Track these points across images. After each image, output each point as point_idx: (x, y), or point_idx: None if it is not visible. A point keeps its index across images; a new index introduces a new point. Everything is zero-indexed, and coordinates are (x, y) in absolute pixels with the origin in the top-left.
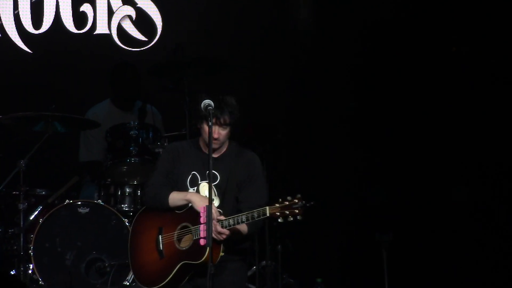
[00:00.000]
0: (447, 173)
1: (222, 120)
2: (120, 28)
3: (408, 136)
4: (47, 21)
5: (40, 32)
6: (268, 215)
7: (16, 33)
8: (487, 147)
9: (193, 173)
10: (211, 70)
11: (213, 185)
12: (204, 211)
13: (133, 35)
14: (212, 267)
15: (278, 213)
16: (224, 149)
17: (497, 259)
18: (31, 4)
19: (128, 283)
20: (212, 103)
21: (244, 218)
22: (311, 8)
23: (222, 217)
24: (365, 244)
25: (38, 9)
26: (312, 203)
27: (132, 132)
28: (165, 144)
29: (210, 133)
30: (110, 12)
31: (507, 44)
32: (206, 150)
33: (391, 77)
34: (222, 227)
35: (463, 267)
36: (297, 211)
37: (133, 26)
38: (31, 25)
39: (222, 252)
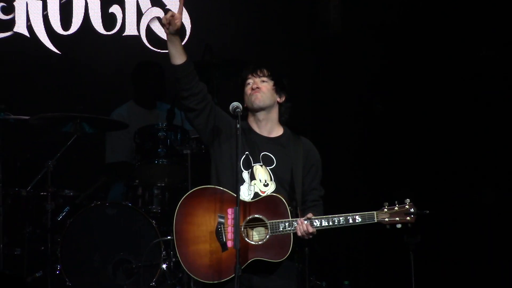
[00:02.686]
0: (474, 175)
1: (259, 72)
2: (149, 30)
3: (435, 139)
4: (76, 22)
5: (69, 33)
6: (376, 221)
7: (45, 34)
8: None
9: (247, 154)
10: (239, 71)
11: (269, 169)
12: (232, 212)
13: (162, 36)
14: (240, 269)
15: (387, 219)
16: (280, 131)
17: None
18: (60, 5)
19: (154, 284)
20: (240, 105)
21: (342, 220)
22: (340, 12)
23: (310, 215)
24: (392, 247)
25: (67, 10)
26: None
27: (160, 134)
28: (193, 145)
29: (237, 135)
30: (139, 14)
31: None
32: (257, 130)
33: (417, 79)
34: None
35: (490, 271)
36: (409, 218)
37: (162, 27)
38: (60, 26)
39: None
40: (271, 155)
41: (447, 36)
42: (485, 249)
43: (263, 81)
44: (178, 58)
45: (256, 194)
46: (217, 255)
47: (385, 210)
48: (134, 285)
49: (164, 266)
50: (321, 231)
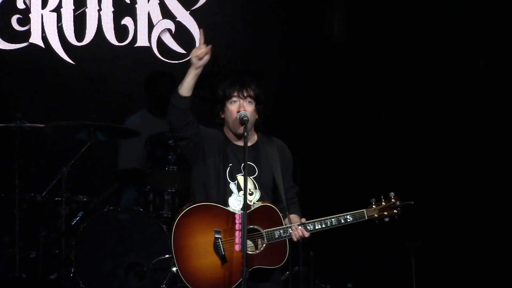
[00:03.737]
0: (475, 181)
1: (245, 92)
2: (160, 41)
3: (437, 145)
4: (90, 34)
5: (83, 44)
6: (366, 218)
7: (60, 45)
8: None
9: (230, 165)
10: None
11: (252, 178)
12: (239, 218)
13: (172, 47)
14: (247, 272)
15: (376, 215)
16: (255, 138)
17: None
18: (74, 17)
19: (164, 286)
20: (248, 114)
21: (334, 221)
22: (344, 24)
23: (304, 220)
24: (394, 251)
25: (81, 22)
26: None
27: (170, 141)
28: None
29: (245, 143)
30: (151, 26)
31: None
32: (233, 140)
33: (419, 88)
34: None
35: (491, 275)
36: (396, 211)
37: (172, 39)
38: (74, 37)
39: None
40: (253, 164)
41: (448, 47)
42: (486, 253)
43: (249, 102)
44: (189, 91)
45: (244, 203)
46: (217, 268)
47: (373, 206)
48: (146, 287)
49: (174, 269)
50: (325, 236)
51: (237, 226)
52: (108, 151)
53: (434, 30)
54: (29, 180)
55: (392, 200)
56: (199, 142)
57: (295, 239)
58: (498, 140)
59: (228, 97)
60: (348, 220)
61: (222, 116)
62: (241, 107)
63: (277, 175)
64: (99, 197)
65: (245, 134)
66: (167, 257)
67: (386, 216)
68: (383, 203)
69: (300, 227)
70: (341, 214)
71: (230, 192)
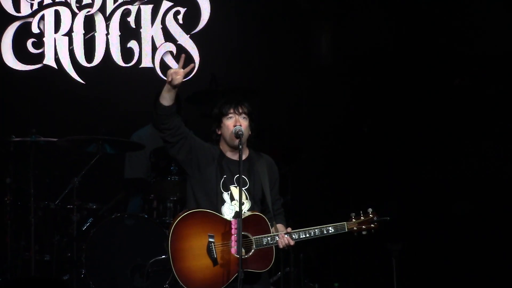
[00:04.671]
0: (450, 190)
1: (240, 109)
2: (162, 62)
3: (416, 158)
4: (98, 56)
5: (92, 65)
6: (346, 230)
7: (71, 66)
8: (487, 166)
9: (224, 178)
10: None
11: (244, 189)
12: (235, 223)
13: (173, 68)
14: (242, 273)
15: (356, 228)
16: (247, 153)
17: (497, 266)
18: (84, 40)
19: (167, 286)
20: (242, 129)
21: (317, 231)
22: (330, 46)
23: (289, 229)
24: (377, 253)
25: (90, 45)
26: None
27: None
28: None
29: (240, 156)
30: (154, 48)
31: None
32: (228, 154)
33: (399, 104)
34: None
35: (466, 275)
36: (373, 225)
37: (174, 60)
38: (84, 59)
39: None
40: (245, 177)
41: (426, 67)
42: (461, 255)
43: (243, 118)
44: (168, 101)
45: (236, 213)
46: (209, 270)
47: (353, 220)
48: (150, 286)
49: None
50: (314, 239)
51: (233, 231)
52: (116, 163)
53: (414, 51)
54: (43, 189)
55: (370, 215)
56: (188, 153)
57: (281, 247)
58: (473, 152)
59: (224, 114)
60: (330, 231)
61: (219, 133)
62: (237, 122)
63: (266, 187)
64: (108, 205)
65: (240, 147)
66: (164, 257)
67: (364, 229)
68: (361, 217)
69: (286, 236)
70: (324, 226)
71: (223, 201)
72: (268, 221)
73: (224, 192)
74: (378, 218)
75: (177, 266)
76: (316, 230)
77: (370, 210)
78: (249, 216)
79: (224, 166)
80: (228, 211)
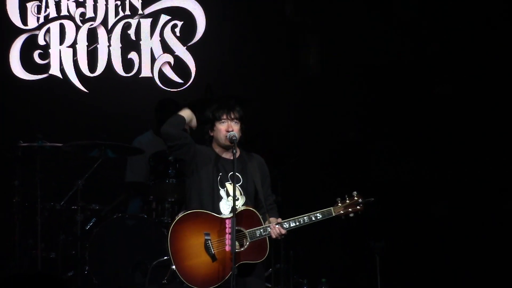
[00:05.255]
0: (429, 192)
1: (232, 115)
2: (161, 72)
3: (396, 162)
4: (101, 66)
5: (95, 75)
6: (333, 215)
7: (75, 76)
8: (463, 169)
9: (220, 176)
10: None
11: (238, 185)
12: (229, 222)
13: (171, 78)
14: (236, 269)
15: (343, 212)
16: (238, 152)
17: (475, 262)
18: (88, 52)
19: (166, 282)
20: (236, 134)
21: (306, 219)
22: (318, 57)
23: (280, 220)
24: (362, 250)
25: (93, 56)
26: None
27: (170, 158)
28: None
29: (234, 161)
30: (153, 59)
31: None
32: (221, 154)
33: (382, 110)
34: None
35: (445, 270)
36: (359, 207)
37: (171, 70)
38: (87, 69)
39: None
40: (238, 174)
41: (407, 76)
42: (439, 252)
43: (235, 122)
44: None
45: (232, 208)
46: (209, 266)
47: (339, 204)
48: (149, 282)
49: (173, 267)
50: (303, 237)
51: (227, 230)
52: (117, 166)
53: (396, 62)
54: (49, 191)
55: (355, 198)
56: (194, 158)
57: (274, 237)
58: (452, 157)
59: (218, 118)
60: (318, 217)
61: (211, 134)
62: (229, 127)
63: (258, 183)
64: (109, 206)
65: (234, 151)
66: (166, 258)
67: (350, 212)
68: (347, 201)
69: (277, 226)
70: (312, 213)
71: (220, 198)
72: (261, 215)
73: (221, 189)
74: (363, 200)
75: (179, 266)
76: (305, 217)
77: (355, 193)
78: (242, 211)
79: (219, 165)
80: (225, 206)
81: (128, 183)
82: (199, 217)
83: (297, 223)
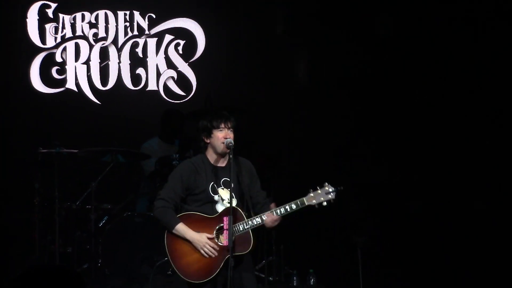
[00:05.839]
0: (405, 191)
1: (229, 124)
2: (165, 86)
3: (377, 165)
4: (112, 81)
5: (107, 88)
6: (306, 204)
7: (89, 89)
8: (439, 174)
9: (212, 183)
10: (232, 114)
11: (229, 190)
12: (226, 220)
13: (175, 91)
14: (233, 261)
15: (315, 201)
16: (226, 161)
17: (444, 256)
18: (100, 68)
19: (170, 273)
20: (232, 141)
21: (283, 210)
22: (307, 71)
23: (273, 205)
24: (346, 244)
25: (105, 72)
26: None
27: (174, 162)
28: None
29: (232, 163)
30: (158, 74)
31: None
32: (214, 162)
33: (365, 119)
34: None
35: (419, 261)
36: (330, 196)
37: (175, 84)
38: (100, 83)
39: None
40: (228, 179)
41: (388, 87)
42: (416, 246)
43: (231, 131)
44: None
45: (225, 210)
46: (202, 260)
47: (311, 194)
48: (155, 273)
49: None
50: (293, 232)
51: (225, 226)
52: (127, 170)
53: (374, 75)
54: (66, 192)
55: (326, 188)
56: (187, 184)
57: (269, 224)
58: (426, 161)
59: (216, 127)
60: (293, 208)
61: (208, 141)
62: (227, 135)
63: (247, 187)
64: (120, 205)
65: (230, 155)
66: (166, 259)
67: (323, 201)
68: (318, 191)
69: (270, 213)
70: (287, 204)
71: (215, 202)
72: (253, 213)
73: (214, 195)
74: (334, 188)
75: (177, 264)
76: (281, 209)
77: (326, 183)
78: (224, 210)
79: (212, 172)
80: (221, 207)
81: (136, 184)
82: (190, 218)
83: (283, 210)
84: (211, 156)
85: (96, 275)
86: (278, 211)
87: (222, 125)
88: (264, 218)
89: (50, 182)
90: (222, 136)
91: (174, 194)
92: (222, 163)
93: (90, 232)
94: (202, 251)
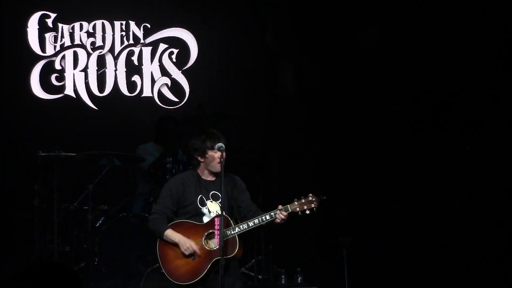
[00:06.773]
0: (389, 192)
1: (223, 145)
2: (160, 93)
3: (361, 169)
4: (108, 87)
5: (103, 95)
6: (290, 210)
7: (87, 95)
8: (421, 177)
9: (200, 196)
10: (222, 120)
11: (218, 202)
12: (218, 221)
13: (168, 97)
14: (224, 261)
15: (298, 209)
16: (214, 177)
17: (425, 255)
18: (97, 75)
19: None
20: (223, 145)
21: (268, 217)
22: (293, 80)
23: (280, 207)
24: (332, 244)
25: (102, 79)
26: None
27: (168, 165)
28: None
29: (222, 169)
30: (153, 81)
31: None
32: (205, 176)
33: (349, 125)
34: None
35: (401, 260)
36: (313, 205)
37: (168, 91)
38: (97, 89)
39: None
40: (217, 193)
41: (369, 97)
42: (401, 246)
43: (223, 150)
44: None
45: (220, 213)
46: (190, 264)
47: (296, 202)
48: (150, 272)
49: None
50: (281, 233)
51: (216, 227)
52: (122, 173)
53: (360, 84)
54: (64, 194)
55: (310, 197)
56: (179, 202)
57: (278, 221)
58: (408, 164)
59: (210, 148)
60: (277, 214)
61: (201, 160)
62: (222, 158)
63: (233, 199)
64: (116, 206)
65: (222, 159)
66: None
67: (306, 209)
68: (302, 200)
69: (279, 212)
70: (273, 210)
71: (203, 214)
72: (230, 219)
73: (202, 207)
74: (317, 198)
75: (166, 268)
76: (267, 215)
77: (310, 194)
78: (213, 218)
79: (201, 186)
80: (207, 219)
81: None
82: (180, 226)
83: (264, 218)
84: (202, 172)
85: (93, 273)
86: (264, 217)
87: (216, 147)
88: (276, 212)
89: (49, 184)
90: (218, 156)
91: (165, 208)
92: (212, 178)
93: (87, 232)
94: (183, 250)
